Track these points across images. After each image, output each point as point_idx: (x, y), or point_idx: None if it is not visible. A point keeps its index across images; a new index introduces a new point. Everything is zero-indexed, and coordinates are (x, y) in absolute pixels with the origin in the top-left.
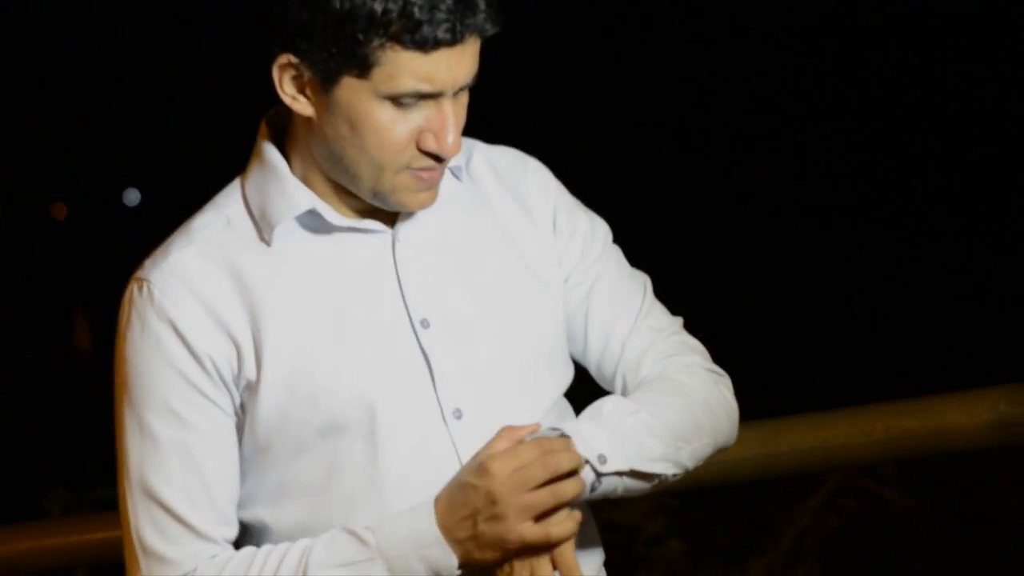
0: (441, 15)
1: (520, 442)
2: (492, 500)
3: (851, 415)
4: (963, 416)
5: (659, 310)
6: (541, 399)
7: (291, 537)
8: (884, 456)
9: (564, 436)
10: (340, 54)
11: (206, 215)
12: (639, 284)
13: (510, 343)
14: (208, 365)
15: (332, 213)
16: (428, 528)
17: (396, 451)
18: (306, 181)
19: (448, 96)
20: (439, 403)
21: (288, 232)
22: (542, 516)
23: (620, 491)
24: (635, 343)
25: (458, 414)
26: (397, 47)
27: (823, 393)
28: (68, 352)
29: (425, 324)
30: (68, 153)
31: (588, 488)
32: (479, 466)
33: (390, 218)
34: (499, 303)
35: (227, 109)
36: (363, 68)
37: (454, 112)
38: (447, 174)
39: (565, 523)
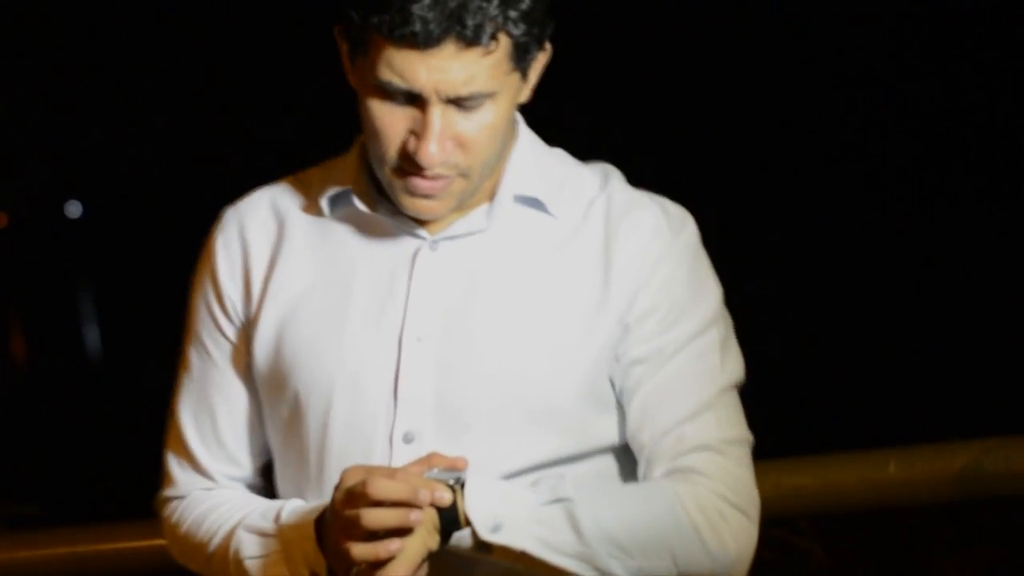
0: (414, 13)
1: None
2: (332, 510)
3: None
4: (853, 476)
5: (714, 421)
6: (517, 455)
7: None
8: (772, 512)
9: (457, 483)
10: (347, 32)
11: (316, 168)
12: (709, 387)
13: (502, 388)
14: (228, 304)
15: (365, 199)
16: (309, 526)
17: (340, 452)
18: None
19: (435, 103)
20: (392, 422)
21: (342, 207)
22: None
23: (505, 561)
24: (664, 442)
25: (408, 438)
26: (376, 35)
27: None
28: (2, 363)
29: (420, 340)
30: (10, 162)
31: (471, 545)
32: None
33: (436, 222)
34: (508, 344)
35: (175, 122)
36: (360, 50)
37: (441, 121)
38: (530, 207)
39: (390, 547)
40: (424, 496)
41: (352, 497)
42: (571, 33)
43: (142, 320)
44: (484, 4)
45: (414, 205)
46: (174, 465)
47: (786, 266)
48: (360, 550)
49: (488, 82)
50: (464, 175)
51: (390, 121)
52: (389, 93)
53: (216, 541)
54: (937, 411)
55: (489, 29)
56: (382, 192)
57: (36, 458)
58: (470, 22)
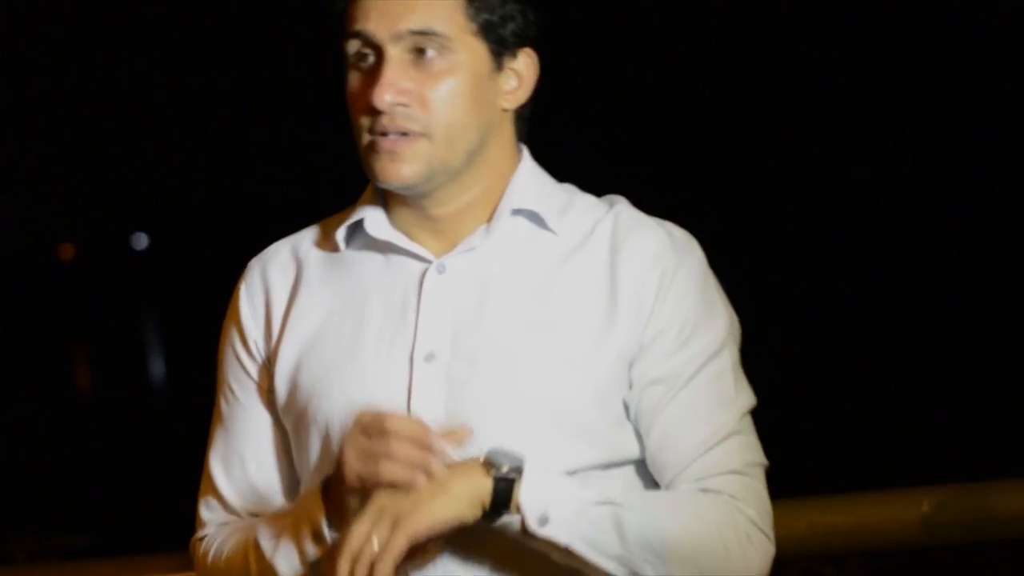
0: None
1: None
2: (346, 444)
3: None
4: (885, 515)
5: (738, 445)
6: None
7: None
8: (805, 550)
9: (515, 469)
10: (337, 28)
11: (338, 213)
12: (729, 410)
13: (509, 401)
14: (251, 344)
15: (379, 226)
16: (316, 487)
17: None
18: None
19: (389, 48)
20: None
21: (357, 238)
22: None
23: (547, 550)
24: (692, 466)
25: None
26: (347, 6)
27: None
28: (68, 393)
29: (429, 359)
30: (77, 194)
31: (517, 531)
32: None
33: (442, 245)
34: (515, 359)
35: (241, 154)
36: (341, 36)
37: (396, 65)
38: (529, 221)
39: (418, 478)
40: (438, 444)
41: (368, 426)
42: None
43: (207, 351)
44: None
45: (383, 170)
46: (204, 510)
47: (821, 303)
48: (391, 469)
49: (436, 22)
50: (426, 135)
51: (358, 86)
52: (359, 61)
53: (238, 544)
54: (970, 450)
55: None
56: (394, 222)
57: (97, 488)
58: None
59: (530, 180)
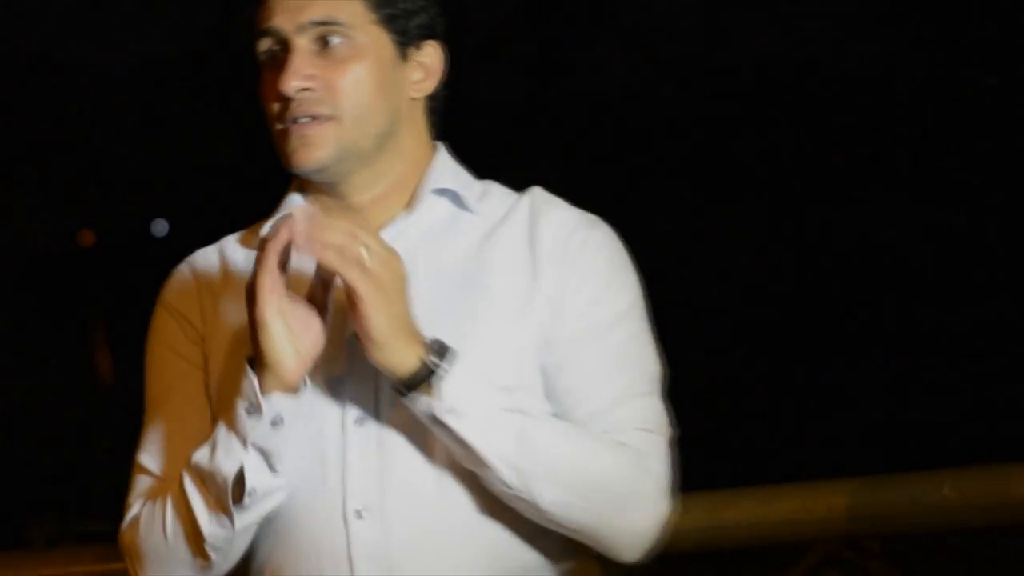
0: None
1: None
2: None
3: (797, 491)
4: (906, 498)
5: (650, 405)
6: None
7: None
8: (825, 534)
9: (442, 351)
10: (249, 37)
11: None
12: (640, 370)
13: None
14: (186, 324)
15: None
16: None
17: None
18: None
19: (294, 39)
20: (344, 410)
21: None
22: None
23: (447, 442)
24: (602, 421)
25: (360, 422)
26: (251, 10)
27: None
28: (88, 380)
29: (351, 343)
30: (97, 181)
31: (427, 414)
32: None
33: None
34: (442, 332)
35: (257, 141)
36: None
37: (301, 54)
38: (450, 202)
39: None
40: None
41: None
42: None
43: None
44: None
45: (295, 154)
46: (134, 492)
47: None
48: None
49: (338, 12)
50: (334, 117)
51: (269, 80)
52: (270, 58)
53: (172, 496)
54: (994, 432)
55: None
56: None
57: (116, 474)
58: None
59: (448, 165)
